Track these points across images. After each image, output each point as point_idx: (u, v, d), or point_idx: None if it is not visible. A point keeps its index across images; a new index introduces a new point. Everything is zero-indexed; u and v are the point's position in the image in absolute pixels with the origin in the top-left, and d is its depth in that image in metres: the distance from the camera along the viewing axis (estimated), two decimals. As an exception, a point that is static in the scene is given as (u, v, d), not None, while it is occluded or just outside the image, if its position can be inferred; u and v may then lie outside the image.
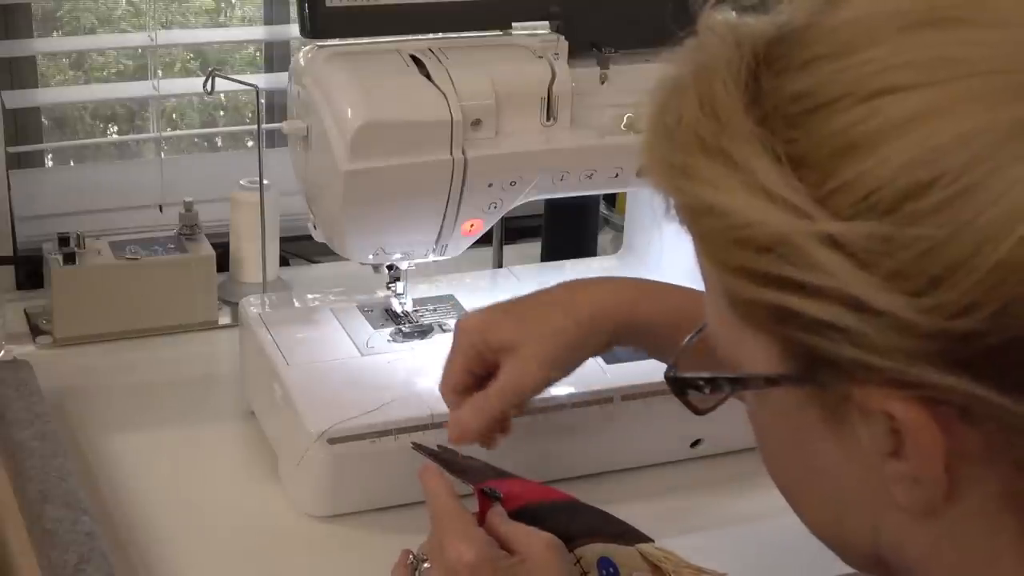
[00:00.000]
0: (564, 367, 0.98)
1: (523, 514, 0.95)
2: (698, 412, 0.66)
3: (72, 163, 1.81)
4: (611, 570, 0.95)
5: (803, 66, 0.55)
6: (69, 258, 1.33)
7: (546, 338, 0.95)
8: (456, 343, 0.98)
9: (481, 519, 0.90)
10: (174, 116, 1.93)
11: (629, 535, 0.99)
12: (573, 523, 0.96)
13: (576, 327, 0.96)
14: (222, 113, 1.99)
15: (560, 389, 1.12)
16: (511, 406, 0.97)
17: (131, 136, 1.92)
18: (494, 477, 0.99)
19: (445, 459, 1.02)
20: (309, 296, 1.23)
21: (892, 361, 0.52)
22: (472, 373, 0.98)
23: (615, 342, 0.98)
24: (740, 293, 0.56)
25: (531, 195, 1.13)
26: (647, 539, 1.00)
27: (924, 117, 0.51)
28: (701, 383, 0.63)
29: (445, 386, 0.99)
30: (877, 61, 0.53)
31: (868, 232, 0.51)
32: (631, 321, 0.97)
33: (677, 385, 0.65)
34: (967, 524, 0.56)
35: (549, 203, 1.48)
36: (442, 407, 1.08)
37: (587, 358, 0.99)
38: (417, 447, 1.03)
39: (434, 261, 1.16)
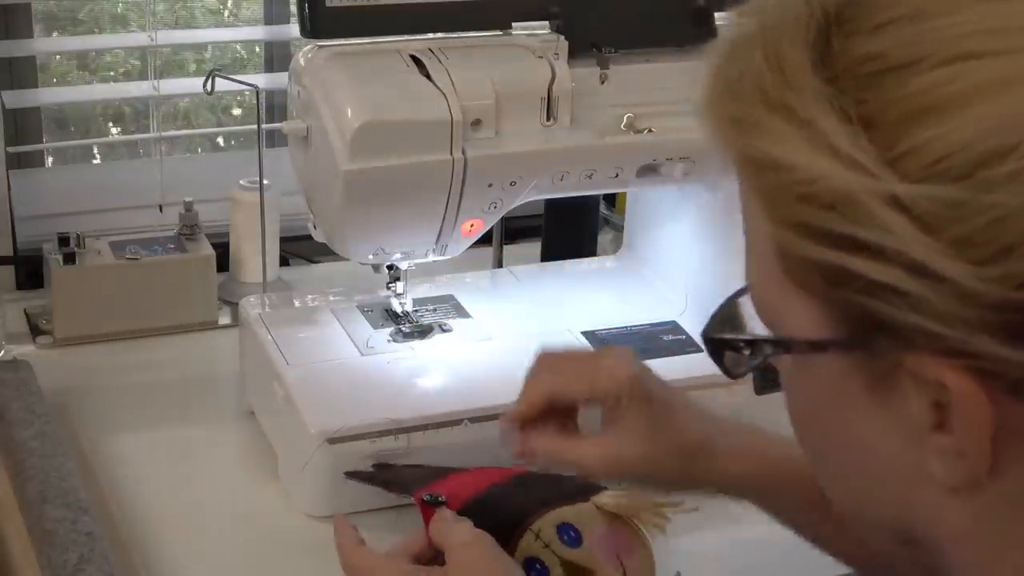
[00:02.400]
0: (620, 471, 0.93)
1: (472, 507, 0.95)
2: (731, 376, 0.65)
3: (72, 163, 1.81)
4: (572, 533, 0.96)
5: (877, 28, 0.54)
6: (69, 258, 1.33)
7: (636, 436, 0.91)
8: (527, 390, 0.95)
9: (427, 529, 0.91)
10: (188, 116, 1.93)
11: (583, 491, 1.00)
12: (527, 499, 0.96)
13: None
14: (237, 112, 1.98)
15: (560, 389, 1.12)
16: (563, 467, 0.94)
17: (131, 136, 1.92)
18: (436, 479, 1.00)
19: (383, 479, 1.03)
20: (309, 296, 1.23)
21: (950, 329, 0.51)
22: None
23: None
24: (797, 252, 0.55)
25: (531, 195, 1.13)
26: (600, 489, 1.01)
27: (1003, 84, 0.51)
28: (741, 344, 0.62)
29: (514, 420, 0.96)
30: (957, 26, 0.52)
31: (938, 196, 0.50)
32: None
33: (714, 345, 0.64)
34: (1006, 502, 0.55)
35: (549, 203, 1.48)
36: (443, 407, 1.08)
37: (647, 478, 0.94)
38: (350, 474, 1.05)
39: (434, 261, 1.16)
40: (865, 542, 0.66)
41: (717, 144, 0.59)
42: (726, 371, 0.66)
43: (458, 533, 0.88)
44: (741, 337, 0.63)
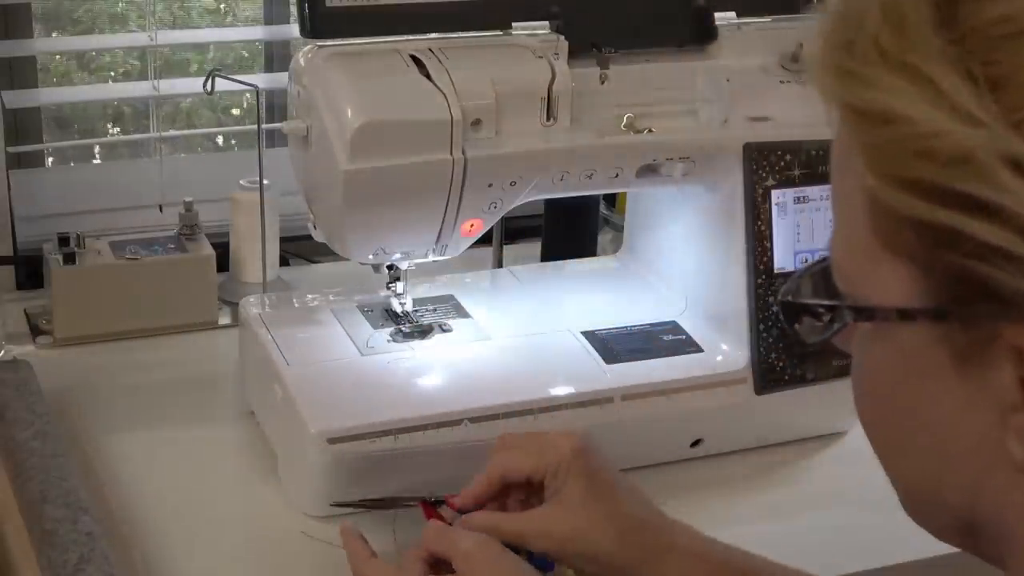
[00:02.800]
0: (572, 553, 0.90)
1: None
2: (804, 343, 0.65)
3: (72, 163, 1.81)
4: None
5: None
6: (69, 258, 1.33)
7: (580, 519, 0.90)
8: (495, 463, 0.95)
9: None
10: (188, 115, 1.93)
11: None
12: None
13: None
14: (236, 112, 1.98)
15: (560, 389, 1.12)
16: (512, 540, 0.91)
17: (131, 136, 1.92)
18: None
19: (367, 505, 1.04)
20: (309, 296, 1.23)
21: None
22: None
23: None
24: (904, 211, 0.54)
25: (531, 195, 1.13)
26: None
27: None
28: (821, 310, 0.61)
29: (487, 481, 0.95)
30: None
31: None
32: None
33: (792, 310, 0.63)
34: None
35: (549, 203, 1.48)
36: (443, 407, 1.08)
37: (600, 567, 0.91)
38: (336, 504, 1.05)
39: (434, 261, 1.16)
40: (928, 531, 0.64)
41: (824, 95, 0.57)
42: (799, 338, 0.65)
43: (461, 541, 0.88)
44: (823, 302, 0.61)
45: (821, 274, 0.63)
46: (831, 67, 0.57)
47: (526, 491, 0.94)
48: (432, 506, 0.97)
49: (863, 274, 0.58)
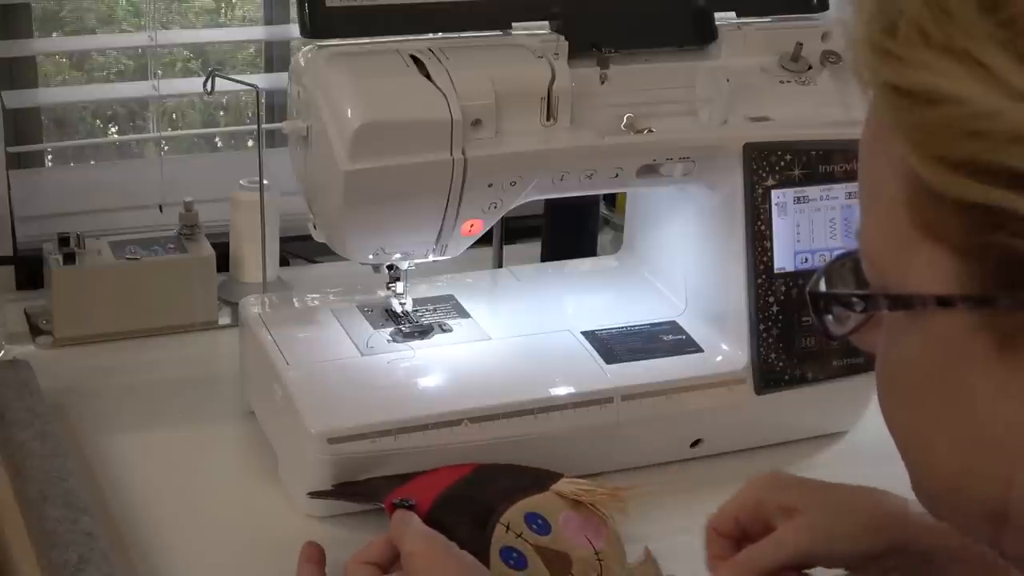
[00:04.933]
0: (832, 553, 0.88)
1: (441, 506, 0.98)
2: (831, 336, 0.64)
3: (72, 163, 1.81)
4: (540, 521, 0.99)
5: None
6: (69, 258, 1.33)
7: (830, 515, 0.88)
8: (741, 491, 0.93)
9: None
10: (174, 116, 1.93)
11: (541, 480, 1.03)
12: (493, 492, 0.99)
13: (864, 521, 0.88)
14: (223, 113, 1.98)
15: (560, 389, 1.12)
16: (773, 566, 0.88)
17: (131, 136, 1.92)
18: (400, 485, 1.02)
19: (349, 492, 1.05)
20: (309, 296, 1.23)
21: None
22: (740, 524, 0.92)
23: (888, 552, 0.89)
24: (951, 192, 0.53)
25: (531, 195, 1.13)
26: (557, 476, 1.03)
27: None
28: (854, 300, 0.60)
29: (713, 524, 0.93)
30: None
31: None
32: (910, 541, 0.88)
33: (823, 301, 0.62)
34: None
35: (549, 203, 1.48)
36: (443, 407, 1.08)
37: (857, 561, 0.89)
38: (314, 494, 1.05)
39: (434, 261, 1.16)
40: (951, 526, 0.64)
41: (864, 77, 0.57)
42: (826, 331, 0.64)
43: (409, 541, 0.89)
44: (856, 292, 0.60)
45: (849, 266, 0.63)
46: (873, 48, 0.56)
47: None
48: (396, 508, 0.98)
49: (898, 263, 0.57)
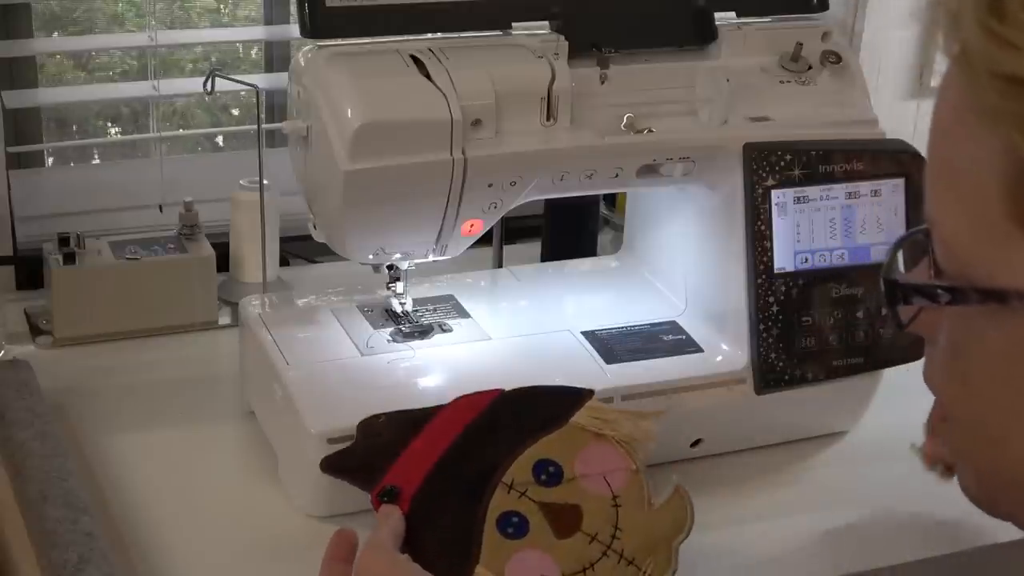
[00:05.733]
0: None
1: (429, 488, 0.95)
2: (902, 326, 0.62)
3: (72, 163, 1.81)
4: (551, 469, 0.93)
5: None
6: (69, 258, 1.33)
7: None
8: None
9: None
10: (178, 116, 1.93)
11: (561, 409, 0.97)
12: (493, 448, 0.94)
13: None
14: (235, 112, 1.98)
15: (560, 389, 1.12)
16: None
17: (131, 136, 1.92)
18: (402, 446, 0.98)
19: (351, 466, 1.02)
20: (309, 296, 1.23)
21: None
22: None
23: None
24: None
25: (531, 195, 1.13)
26: (582, 395, 0.97)
27: None
28: (939, 291, 0.59)
29: None
30: None
31: None
32: None
33: (902, 291, 0.61)
34: None
35: (549, 203, 1.48)
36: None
37: None
38: (326, 464, 1.02)
39: (434, 261, 1.16)
40: (998, 512, 0.63)
41: (969, 61, 0.55)
42: (898, 321, 0.62)
43: (365, 553, 0.88)
44: (939, 283, 0.58)
45: (918, 252, 0.61)
46: (981, 29, 0.54)
47: None
48: (382, 501, 0.96)
49: (988, 255, 0.56)
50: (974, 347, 0.59)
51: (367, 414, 1.06)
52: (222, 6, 1.94)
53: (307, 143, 1.08)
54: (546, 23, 1.11)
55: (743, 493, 1.15)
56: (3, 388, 1.17)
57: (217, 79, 1.23)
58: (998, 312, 0.57)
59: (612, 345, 1.17)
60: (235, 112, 1.97)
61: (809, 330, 1.16)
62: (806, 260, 1.16)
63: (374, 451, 1.01)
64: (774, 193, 1.14)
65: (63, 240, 1.33)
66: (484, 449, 0.97)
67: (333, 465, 1.03)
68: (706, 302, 1.21)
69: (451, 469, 0.97)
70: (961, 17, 0.54)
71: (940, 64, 0.60)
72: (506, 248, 1.44)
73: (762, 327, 1.15)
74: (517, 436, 0.94)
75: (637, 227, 1.33)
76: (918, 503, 1.13)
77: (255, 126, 1.27)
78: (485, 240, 1.27)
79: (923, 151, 0.63)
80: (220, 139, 1.94)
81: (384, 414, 1.03)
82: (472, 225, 1.12)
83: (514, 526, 0.92)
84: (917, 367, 0.67)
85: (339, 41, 1.08)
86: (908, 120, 1.64)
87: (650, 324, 1.21)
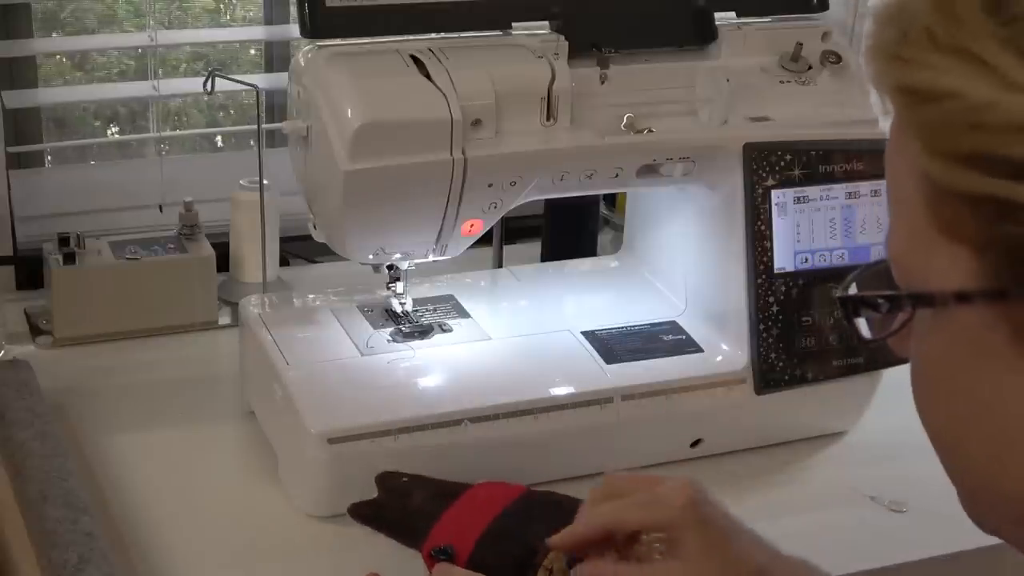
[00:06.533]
0: None
1: (481, 548, 0.95)
2: (864, 342, 0.64)
3: (72, 163, 1.81)
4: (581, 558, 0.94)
5: None
6: (69, 258, 1.33)
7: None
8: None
9: None
10: (176, 117, 1.93)
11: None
12: (534, 531, 0.95)
13: None
14: (222, 115, 1.98)
15: (560, 389, 1.12)
16: None
17: (131, 136, 1.92)
18: (440, 510, 0.99)
19: (387, 520, 1.02)
20: (309, 296, 1.23)
21: None
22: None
23: None
24: (958, 186, 0.55)
25: (531, 195, 1.13)
26: None
27: None
28: (880, 301, 0.61)
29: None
30: None
31: None
32: None
33: (851, 305, 0.63)
34: None
35: (549, 203, 1.48)
36: (443, 407, 1.08)
37: None
38: (354, 511, 1.04)
39: (434, 261, 1.16)
40: (986, 528, 0.64)
41: (877, 82, 0.59)
42: (859, 337, 0.65)
43: None
44: (880, 293, 0.61)
45: (880, 271, 0.64)
46: (884, 55, 0.58)
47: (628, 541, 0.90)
48: (436, 559, 0.96)
49: (920, 262, 0.58)
50: (924, 354, 0.62)
51: (367, 414, 1.06)
52: (222, 6, 1.94)
53: (307, 143, 1.08)
54: (546, 23, 1.11)
55: (743, 493, 1.15)
56: (3, 388, 1.16)
57: (217, 79, 1.23)
58: (937, 318, 0.59)
59: (612, 345, 1.17)
60: (232, 112, 1.97)
61: (809, 330, 1.16)
62: (806, 260, 1.16)
63: (412, 511, 1.02)
64: (774, 193, 1.14)
65: (63, 240, 1.33)
66: (524, 532, 0.97)
67: (363, 515, 1.04)
68: (706, 302, 1.21)
69: (498, 542, 0.97)
70: (875, 48, 0.59)
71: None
72: (506, 248, 1.44)
73: (762, 327, 1.15)
74: (550, 526, 0.95)
75: (637, 227, 1.33)
76: (918, 503, 1.13)
77: (255, 126, 1.27)
78: (485, 240, 1.27)
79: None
80: (219, 139, 1.94)
81: (406, 474, 1.04)
82: (472, 225, 1.12)
83: None
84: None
85: (339, 41, 1.08)
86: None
87: (650, 324, 1.21)
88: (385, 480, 1.04)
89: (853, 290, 0.67)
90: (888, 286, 0.62)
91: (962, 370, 0.59)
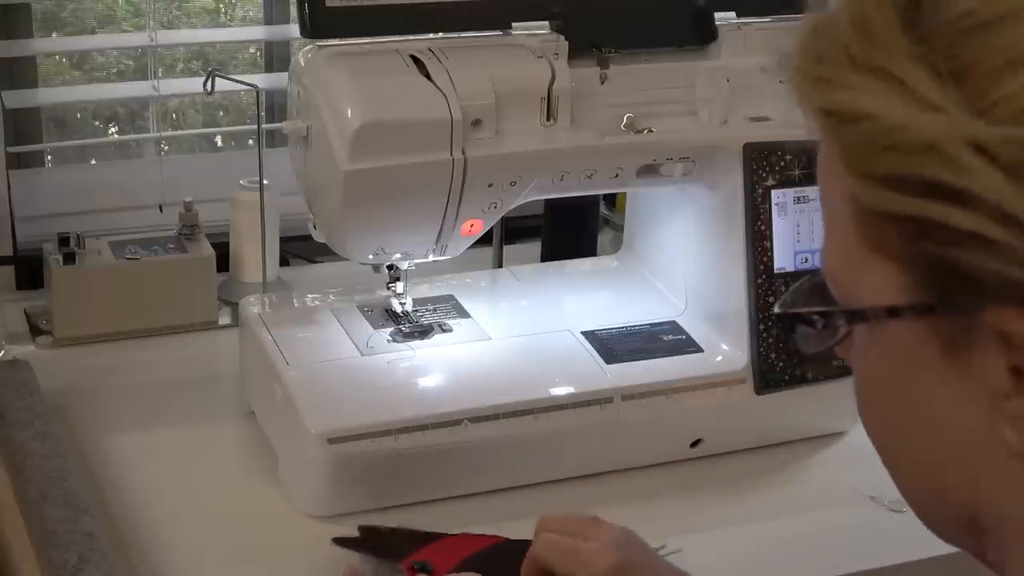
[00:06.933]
0: None
1: (463, 567, 0.96)
2: (804, 356, 0.66)
3: (72, 163, 1.81)
4: None
5: None
6: (69, 258, 1.33)
7: None
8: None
9: None
10: (175, 116, 1.93)
11: None
12: (514, 568, 0.94)
13: None
14: (221, 114, 1.99)
15: (560, 389, 1.12)
16: None
17: (131, 136, 1.92)
18: (423, 543, 1.00)
19: (371, 544, 1.02)
20: (309, 296, 1.23)
21: None
22: None
23: None
24: (879, 206, 0.55)
25: (531, 195, 1.13)
26: None
27: None
28: (815, 318, 0.62)
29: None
30: None
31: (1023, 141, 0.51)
32: None
33: (787, 321, 0.65)
34: None
35: (549, 203, 1.48)
36: (443, 407, 1.08)
37: None
38: (338, 541, 1.03)
39: (434, 261, 1.16)
40: (939, 536, 0.65)
41: (801, 104, 0.60)
42: (798, 351, 0.66)
43: None
44: (814, 310, 0.62)
45: (818, 286, 0.64)
46: (806, 76, 0.59)
47: None
48: (416, 572, 0.96)
49: (854, 279, 0.59)
50: (863, 369, 0.63)
51: (367, 414, 1.06)
52: (221, 6, 1.94)
53: (307, 143, 1.08)
54: (546, 23, 1.11)
55: (743, 493, 1.15)
56: (3, 388, 1.16)
57: (217, 79, 1.23)
58: (872, 333, 0.60)
59: (612, 345, 1.17)
60: (230, 112, 1.97)
61: (809, 330, 1.16)
62: (806, 260, 1.16)
63: (395, 541, 1.02)
64: (774, 193, 1.14)
65: (63, 240, 1.33)
66: (503, 569, 0.97)
67: (347, 544, 1.03)
68: (706, 302, 1.21)
69: (477, 569, 0.97)
70: (796, 69, 0.60)
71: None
72: (506, 248, 1.44)
73: (762, 327, 1.15)
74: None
75: (637, 227, 1.33)
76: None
77: (255, 126, 1.27)
78: (485, 240, 1.27)
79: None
80: (219, 139, 1.94)
81: (389, 527, 1.04)
82: (472, 225, 1.12)
83: None
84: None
85: (339, 41, 1.08)
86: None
87: (650, 324, 1.21)
88: (366, 528, 1.04)
89: (789, 306, 0.67)
90: (826, 299, 0.63)
91: (899, 383, 0.60)
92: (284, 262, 1.50)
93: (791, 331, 0.65)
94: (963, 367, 0.56)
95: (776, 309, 0.66)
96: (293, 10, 1.64)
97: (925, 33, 0.55)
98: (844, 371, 1.23)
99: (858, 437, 1.25)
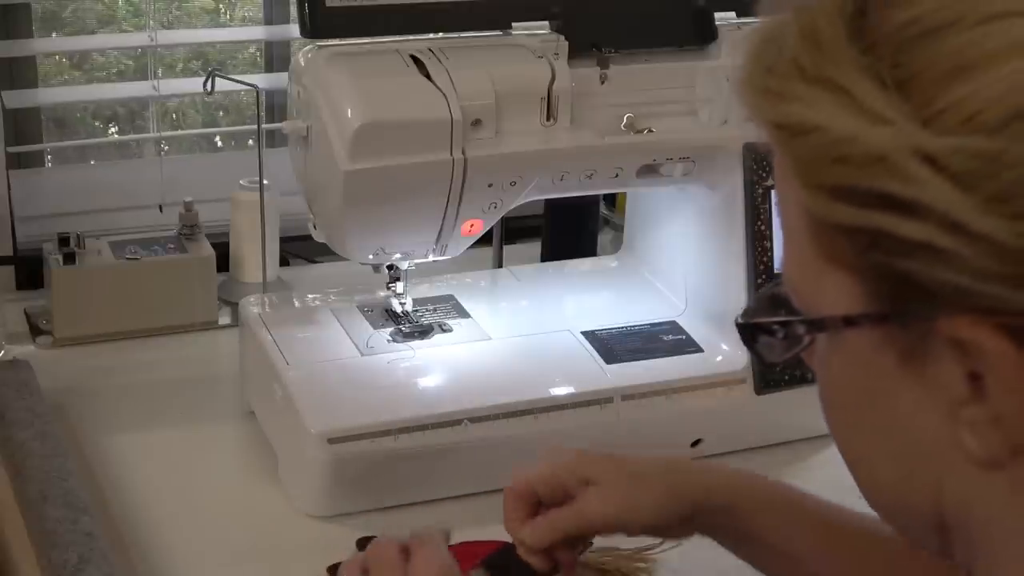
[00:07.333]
0: (635, 521, 0.88)
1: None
2: (768, 364, 0.66)
3: (72, 163, 1.81)
4: None
5: None
6: (69, 258, 1.33)
7: (631, 486, 0.88)
8: (541, 464, 0.91)
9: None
10: (175, 116, 1.93)
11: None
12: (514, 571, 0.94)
13: (662, 491, 0.89)
14: (222, 114, 1.99)
15: (560, 389, 1.12)
16: (576, 531, 0.88)
17: (131, 136, 1.92)
18: None
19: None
20: (309, 296, 1.23)
21: (985, 285, 0.51)
22: (538, 493, 0.90)
23: (695, 520, 0.90)
24: (832, 218, 0.56)
25: (531, 195, 1.13)
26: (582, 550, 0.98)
27: None
28: (775, 328, 0.63)
29: (512, 488, 0.90)
30: None
31: (971, 149, 0.51)
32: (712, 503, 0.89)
33: (748, 331, 0.64)
34: None
35: (549, 203, 1.48)
36: (443, 407, 1.08)
37: (662, 526, 0.90)
38: (332, 569, 1.01)
39: (434, 261, 1.16)
40: (906, 539, 0.65)
41: (754, 118, 0.59)
42: (762, 359, 0.66)
43: (426, 559, 0.83)
44: (774, 319, 0.63)
45: (779, 295, 0.65)
46: (755, 89, 0.59)
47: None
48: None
49: (811, 289, 0.60)
50: (825, 378, 0.63)
51: (367, 414, 1.06)
52: (221, 6, 1.94)
53: (307, 143, 1.08)
54: (546, 23, 1.11)
55: (743, 493, 1.15)
56: (3, 388, 1.17)
57: (217, 79, 1.23)
58: (832, 342, 0.60)
59: (612, 345, 1.17)
60: (229, 112, 1.97)
61: (809, 330, 1.16)
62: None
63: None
64: (774, 193, 1.14)
65: (63, 240, 1.33)
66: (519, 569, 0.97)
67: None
68: (706, 302, 1.21)
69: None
70: (744, 81, 0.60)
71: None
72: (506, 248, 1.44)
73: (762, 327, 1.15)
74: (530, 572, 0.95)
75: (637, 227, 1.33)
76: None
77: (255, 126, 1.27)
78: (485, 240, 1.27)
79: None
80: (218, 139, 1.94)
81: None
82: (472, 225, 1.12)
83: None
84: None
85: (339, 41, 1.08)
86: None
87: (650, 324, 1.21)
88: (363, 541, 1.03)
89: (750, 316, 0.67)
90: (788, 309, 0.63)
91: (861, 390, 0.60)
92: (284, 262, 1.51)
93: (753, 341, 0.65)
94: (921, 375, 0.56)
95: (739, 319, 0.66)
96: (293, 10, 1.64)
97: (871, 42, 0.55)
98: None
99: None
